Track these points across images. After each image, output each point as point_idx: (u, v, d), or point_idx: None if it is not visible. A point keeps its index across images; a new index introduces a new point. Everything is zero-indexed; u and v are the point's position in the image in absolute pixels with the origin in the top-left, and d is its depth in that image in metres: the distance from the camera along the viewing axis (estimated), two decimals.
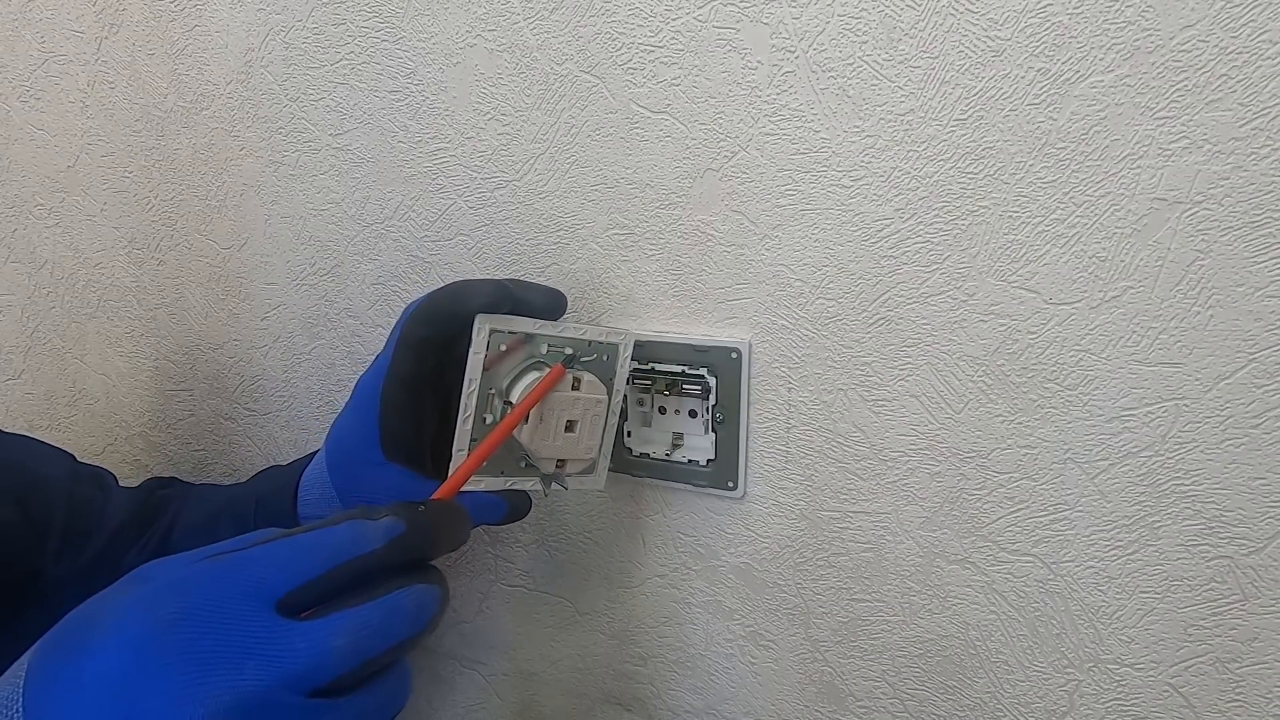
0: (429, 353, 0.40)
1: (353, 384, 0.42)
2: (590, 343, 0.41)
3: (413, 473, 0.40)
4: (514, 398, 0.38)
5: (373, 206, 0.51)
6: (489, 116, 0.46)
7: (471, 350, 0.37)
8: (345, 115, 0.51)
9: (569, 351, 0.40)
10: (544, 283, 0.43)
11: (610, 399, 0.42)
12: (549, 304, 0.41)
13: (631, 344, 0.42)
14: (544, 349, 0.40)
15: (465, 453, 0.38)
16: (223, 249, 0.58)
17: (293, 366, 0.58)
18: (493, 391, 0.39)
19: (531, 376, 0.39)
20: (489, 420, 0.39)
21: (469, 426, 0.38)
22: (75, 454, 0.50)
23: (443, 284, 0.39)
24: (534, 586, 0.53)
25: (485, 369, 0.38)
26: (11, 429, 0.49)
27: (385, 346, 0.41)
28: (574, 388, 0.39)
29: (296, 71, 0.52)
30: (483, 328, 0.37)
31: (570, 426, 0.40)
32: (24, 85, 0.63)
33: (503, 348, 0.38)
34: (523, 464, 0.40)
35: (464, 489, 0.39)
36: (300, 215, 0.54)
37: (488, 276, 0.48)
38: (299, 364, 0.57)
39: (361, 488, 0.41)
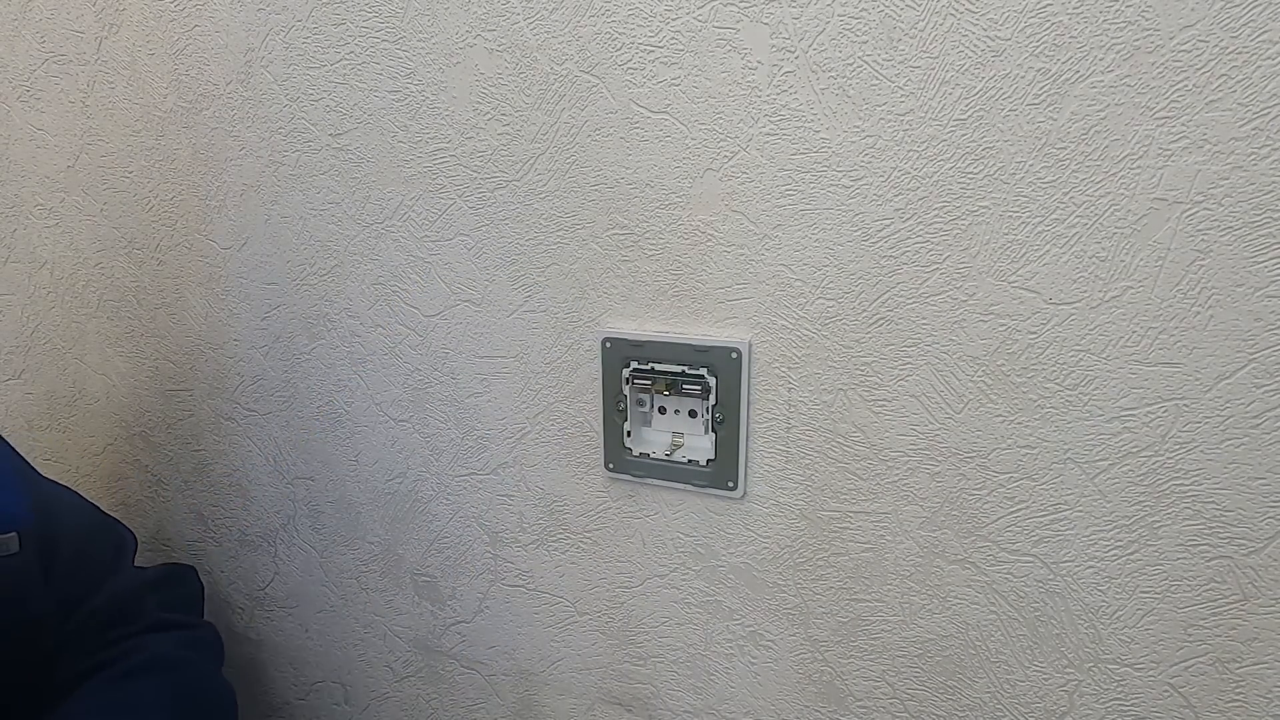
0: None
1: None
2: None
3: None
4: None
5: (373, 206, 0.51)
6: (489, 116, 0.46)
7: None
8: (345, 115, 0.51)
9: None
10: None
11: None
12: None
13: None
14: None
15: None
16: (223, 249, 0.58)
17: (293, 366, 0.58)
18: None
19: None
20: None
21: None
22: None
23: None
24: (534, 586, 0.53)
25: None
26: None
27: None
28: None
29: (296, 71, 0.52)
30: None
31: None
32: (24, 85, 0.63)
33: None
34: None
35: None
36: (300, 215, 0.54)
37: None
38: (299, 364, 0.57)
39: None
